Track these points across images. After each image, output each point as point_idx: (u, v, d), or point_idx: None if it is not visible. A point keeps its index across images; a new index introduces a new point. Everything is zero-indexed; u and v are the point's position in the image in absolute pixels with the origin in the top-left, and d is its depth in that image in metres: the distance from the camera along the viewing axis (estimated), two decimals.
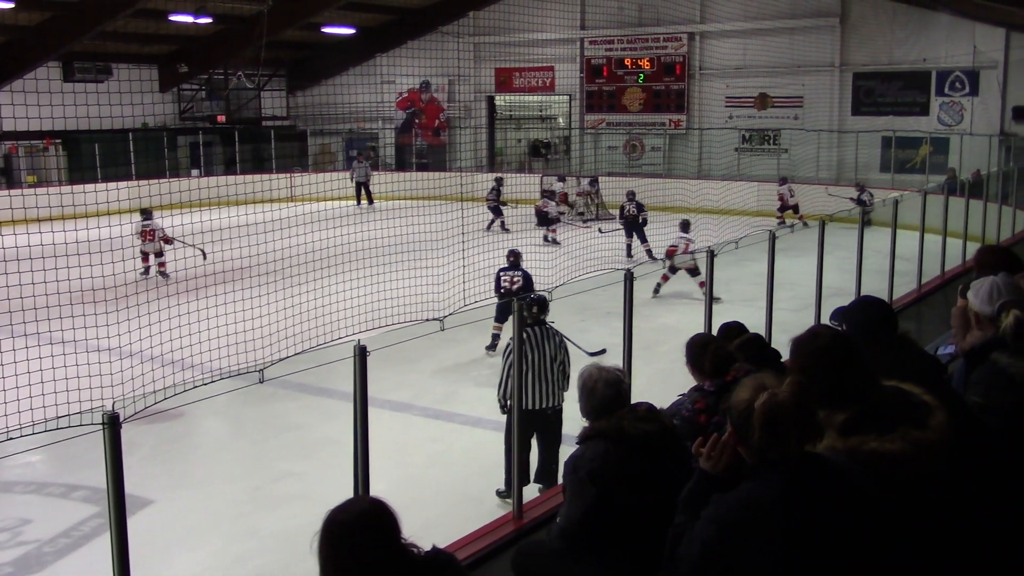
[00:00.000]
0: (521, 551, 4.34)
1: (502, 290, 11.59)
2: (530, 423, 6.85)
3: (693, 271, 13.95)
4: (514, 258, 12.06)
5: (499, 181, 23.08)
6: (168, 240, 16.31)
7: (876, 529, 2.50)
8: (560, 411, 7.13)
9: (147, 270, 16.36)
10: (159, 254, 16.46)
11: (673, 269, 14.35)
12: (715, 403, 4.23)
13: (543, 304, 7.27)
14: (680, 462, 3.63)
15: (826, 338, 3.04)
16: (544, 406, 7.02)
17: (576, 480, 3.71)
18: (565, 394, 7.04)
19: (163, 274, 16.26)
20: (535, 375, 6.95)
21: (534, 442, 7.14)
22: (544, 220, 21.35)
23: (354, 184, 27.04)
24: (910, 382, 2.96)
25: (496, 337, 11.48)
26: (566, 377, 7.09)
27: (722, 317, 5.69)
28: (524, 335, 6.36)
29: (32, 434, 5.24)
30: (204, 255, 14.66)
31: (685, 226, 15.46)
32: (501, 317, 11.14)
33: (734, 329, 5.15)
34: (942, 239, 13.00)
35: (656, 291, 14.46)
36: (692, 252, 14.07)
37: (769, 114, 26.35)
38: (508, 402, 7.02)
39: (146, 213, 16.51)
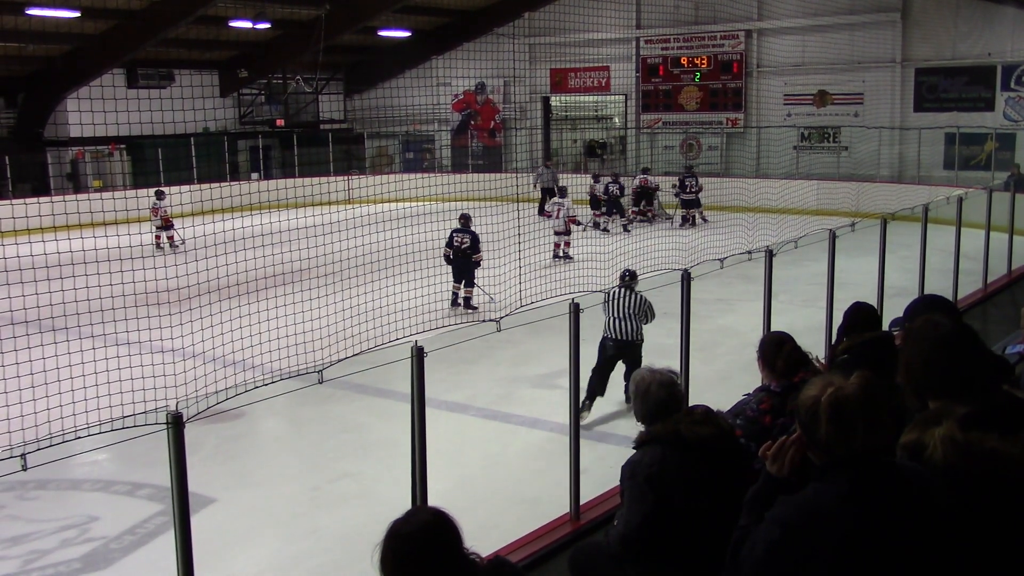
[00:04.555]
0: (578, 553, 4.33)
1: (452, 248, 13.77)
2: (619, 349, 9.29)
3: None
4: (465, 221, 14.05)
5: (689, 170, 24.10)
6: (168, 222, 19.98)
7: (947, 538, 2.44)
8: (640, 344, 9.29)
9: (158, 245, 19.71)
10: (164, 228, 20.05)
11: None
12: (781, 404, 4.17)
13: (633, 275, 9.73)
14: (739, 465, 3.59)
15: (947, 327, 2.95)
16: (624, 338, 9.23)
17: (634, 486, 3.69)
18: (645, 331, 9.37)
19: (172, 245, 19.74)
20: (616, 318, 9.29)
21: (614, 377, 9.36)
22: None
23: (539, 190, 25.31)
24: None
25: (455, 295, 13.72)
26: (647, 319, 9.40)
27: (782, 318, 5.60)
28: (612, 292, 9.45)
29: (99, 433, 5.37)
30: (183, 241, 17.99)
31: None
32: (458, 277, 13.76)
33: (865, 311, 4.85)
34: (1008, 237, 12.70)
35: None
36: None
37: (828, 111, 25.95)
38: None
39: (159, 194, 20.34)
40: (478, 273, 13.95)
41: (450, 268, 13.95)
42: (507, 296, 12.13)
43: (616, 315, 9.41)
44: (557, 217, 18.14)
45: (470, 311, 13.64)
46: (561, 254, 17.99)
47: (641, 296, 9.49)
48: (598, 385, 9.24)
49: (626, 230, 21.99)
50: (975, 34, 23.51)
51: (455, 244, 13.79)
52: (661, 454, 3.64)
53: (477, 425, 9.21)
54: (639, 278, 9.72)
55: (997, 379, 2.97)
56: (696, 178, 22.73)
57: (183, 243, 18.76)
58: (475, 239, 13.78)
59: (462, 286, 13.82)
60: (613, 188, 22.66)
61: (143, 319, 9.80)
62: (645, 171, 24.22)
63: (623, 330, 9.35)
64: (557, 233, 18.08)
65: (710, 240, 18.44)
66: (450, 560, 2.52)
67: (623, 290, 9.53)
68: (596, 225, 22.48)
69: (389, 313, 10.62)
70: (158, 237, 20.11)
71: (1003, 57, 23.18)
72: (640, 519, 3.64)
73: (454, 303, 13.79)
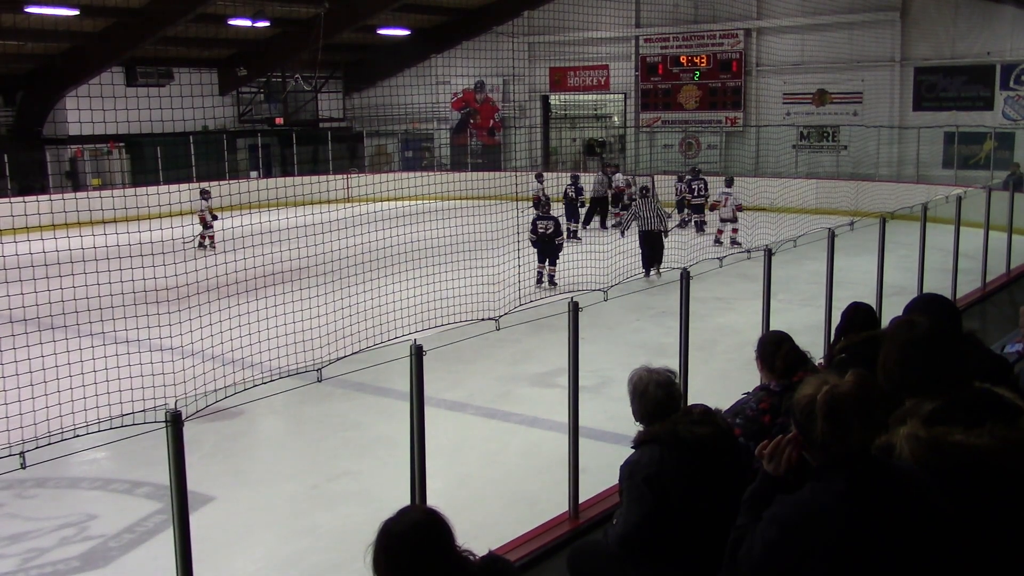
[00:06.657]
0: (577, 552, 4.32)
1: (537, 234, 15.38)
2: (646, 238, 15.48)
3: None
4: (547, 207, 15.94)
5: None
6: (204, 221, 20.12)
7: (942, 536, 2.44)
8: (660, 234, 15.53)
9: (201, 244, 19.66)
10: (207, 227, 20.05)
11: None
12: (780, 403, 4.16)
13: (650, 189, 17.53)
14: (738, 464, 3.59)
15: (923, 327, 2.99)
16: (649, 229, 15.46)
17: (633, 486, 3.68)
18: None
19: (211, 245, 19.65)
20: (642, 218, 15.54)
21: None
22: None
23: (589, 200, 22.57)
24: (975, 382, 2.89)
25: (540, 274, 15.53)
26: (662, 219, 15.66)
27: (780, 316, 5.59)
28: (634, 204, 16.30)
29: (97, 431, 5.37)
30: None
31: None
32: (542, 258, 15.54)
33: (863, 312, 4.73)
34: (1007, 236, 12.71)
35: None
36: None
37: (828, 110, 25.96)
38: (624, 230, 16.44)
39: (204, 193, 20.43)
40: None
41: (532, 252, 15.38)
42: (506, 295, 12.18)
43: (643, 215, 15.48)
44: (724, 205, 19.39)
45: (553, 287, 15.23)
46: (728, 241, 18.78)
47: (658, 203, 15.95)
48: (645, 259, 15.14)
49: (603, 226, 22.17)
50: (974, 33, 23.52)
51: (539, 231, 15.39)
52: (659, 454, 3.64)
53: (476, 424, 9.20)
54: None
55: (979, 377, 2.98)
56: (704, 182, 21.37)
57: (183, 241, 19.04)
58: (557, 224, 15.56)
59: (547, 265, 15.53)
60: (570, 191, 21.65)
61: (142, 317, 9.79)
62: (616, 169, 23.12)
63: (647, 225, 15.40)
64: (723, 220, 19.27)
65: (709, 239, 18.51)
66: (442, 558, 2.53)
67: (644, 200, 16.23)
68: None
69: (388, 312, 10.62)
70: (202, 236, 19.86)
71: (1002, 56, 23.19)
72: (639, 519, 3.64)
73: (539, 281, 15.38)
